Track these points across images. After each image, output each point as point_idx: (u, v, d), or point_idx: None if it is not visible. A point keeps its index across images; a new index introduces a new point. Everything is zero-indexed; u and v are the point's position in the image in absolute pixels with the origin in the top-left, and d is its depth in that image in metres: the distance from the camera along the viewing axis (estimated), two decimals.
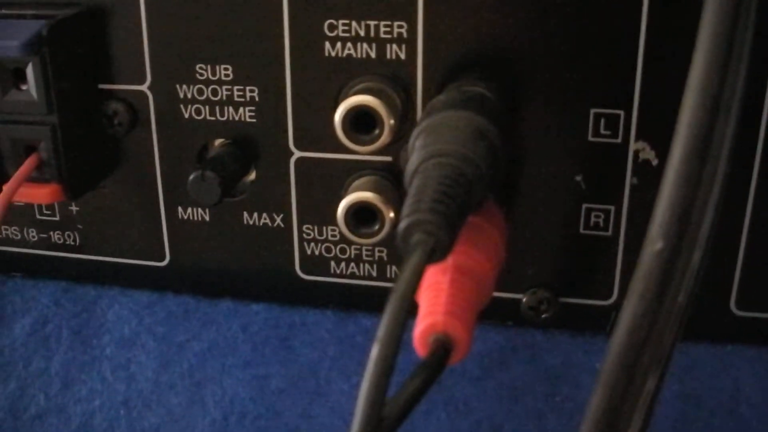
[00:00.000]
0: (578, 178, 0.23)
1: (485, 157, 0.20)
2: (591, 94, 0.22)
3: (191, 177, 0.24)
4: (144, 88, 0.25)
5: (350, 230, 0.23)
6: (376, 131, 0.22)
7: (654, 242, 0.16)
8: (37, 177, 0.25)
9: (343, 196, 0.24)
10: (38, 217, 0.28)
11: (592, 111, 0.22)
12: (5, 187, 0.25)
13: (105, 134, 0.26)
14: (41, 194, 0.25)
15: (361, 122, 0.23)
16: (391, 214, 0.23)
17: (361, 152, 0.23)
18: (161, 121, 0.25)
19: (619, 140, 0.22)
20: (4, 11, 0.25)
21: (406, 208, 0.18)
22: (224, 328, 0.25)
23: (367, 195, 0.23)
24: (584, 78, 0.22)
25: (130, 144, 0.26)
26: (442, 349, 0.17)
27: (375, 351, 0.16)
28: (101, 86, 0.25)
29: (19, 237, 0.28)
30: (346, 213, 0.23)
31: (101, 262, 0.27)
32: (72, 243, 0.28)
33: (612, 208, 0.23)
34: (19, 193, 0.25)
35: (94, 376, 0.25)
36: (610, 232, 0.23)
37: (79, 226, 0.27)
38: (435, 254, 0.17)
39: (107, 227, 0.27)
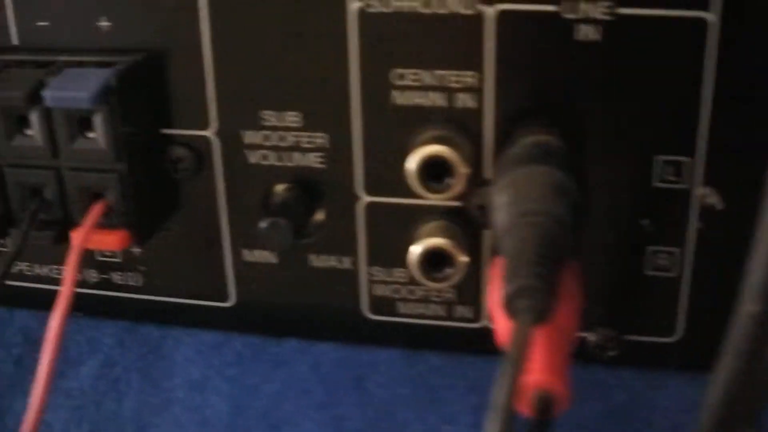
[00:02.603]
0: (644, 222, 0.25)
1: (568, 212, 0.21)
2: (656, 141, 0.24)
3: (263, 223, 0.25)
4: (208, 133, 0.26)
5: (424, 275, 0.25)
6: (449, 180, 0.24)
7: (749, 304, 0.18)
8: (103, 223, 0.27)
9: (413, 241, 0.26)
10: (99, 258, 0.29)
11: (658, 158, 0.24)
12: (77, 236, 0.26)
13: (168, 178, 0.27)
14: (110, 241, 0.26)
15: (432, 170, 0.24)
16: (464, 259, 0.25)
17: (434, 199, 0.25)
18: (226, 165, 0.26)
19: (684, 186, 0.24)
20: (66, 58, 0.26)
21: (508, 272, 0.19)
22: (295, 369, 0.27)
23: (440, 241, 0.25)
24: (650, 125, 0.24)
25: (194, 187, 0.27)
26: (546, 405, 0.19)
27: (493, 419, 0.17)
28: (165, 131, 0.26)
29: (80, 277, 0.30)
30: (420, 258, 0.25)
31: (164, 302, 0.29)
32: (134, 284, 0.29)
33: (677, 250, 0.25)
34: (89, 240, 0.26)
35: (168, 419, 0.26)
36: (674, 273, 0.25)
37: (142, 268, 0.29)
38: (541, 317, 0.19)
39: (170, 268, 0.28)
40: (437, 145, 0.24)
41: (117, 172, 0.26)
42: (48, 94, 0.25)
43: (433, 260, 0.25)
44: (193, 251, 0.28)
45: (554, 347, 0.20)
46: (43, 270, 0.30)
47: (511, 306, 0.19)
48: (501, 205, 0.22)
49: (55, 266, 0.30)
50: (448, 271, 0.25)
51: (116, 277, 0.29)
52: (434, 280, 0.25)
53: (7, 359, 0.29)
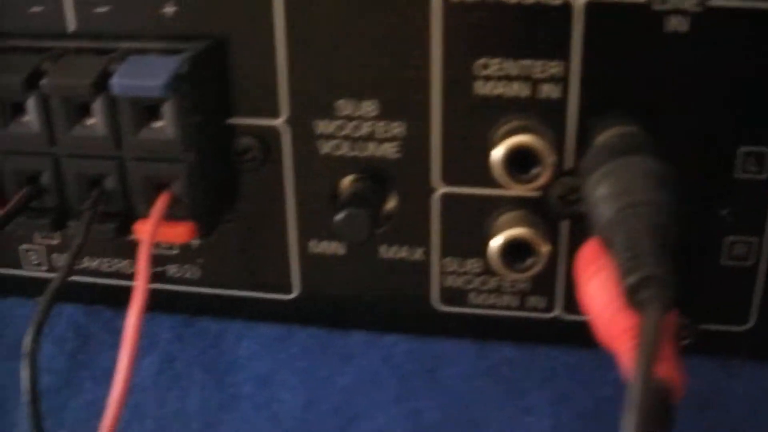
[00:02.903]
0: (724, 212, 0.25)
1: (673, 202, 0.21)
2: (740, 132, 0.24)
3: (341, 214, 0.25)
4: (278, 123, 0.26)
5: (505, 266, 0.25)
6: (536, 170, 0.24)
7: None
8: (166, 215, 0.26)
9: (491, 232, 0.25)
10: (153, 251, 0.28)
11: (741, 149, 0.24)
12: (146, 229, 0.25)
13: (233, 168, 0.26)
14: (177, 233, 0.25)
15: (516, 160, 0.24)
16: (546, 249, 0.25)
17: (517, 190, 0.24)
18: (296, 156, 0.26)
19: (765, 176, 0.24)
20: (127, 45, 0.25)
21: (625, 264, 0.19)
22: (366, 362, 0.26)
23: (522, 231, 0.25)
24: (734, 117, 0.24)
25: (259, 178, 0.26)
26: (665, 394, 0.19)
27: (632, 417, 0.17)
28: (232, 121, 0.26)
29: (133, 271, 0.29)
30: (502, 249, 0.25)
31: (223, 295, 0.28)
32: (191, 276, 0.28)
33: (755, 240, 0.25)
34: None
35: (236, 415, 0.26)
36: (750, 263, 0.25)
37: (200, 260, 0.28)
38: (668, 306, 0.19)
39: (231, 260, 0.28)
40: (523, 135, 0.24)
41: (185, 163, 0.25)
42: (116, 83, 0.24)
43: (513, 251, 0.25)
44: (256, 243, 0.27)
45: (668, 336, 0.20)
46: (93, 263, 0.29)
47: (636, 297, 0.19)
48: (601, 197, 0.21)
49: (105, 259, 0.29)
50: (530, 261, 0.25)
51: (172, 269, 0.28)
52: (515, 270, 0.25)
53: (60, 355, 0.28)
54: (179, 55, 0.25)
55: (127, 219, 0.26)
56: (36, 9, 0.26)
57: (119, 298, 0.29)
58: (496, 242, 0.25)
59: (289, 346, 0.27)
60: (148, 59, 0.25)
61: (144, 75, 0.24)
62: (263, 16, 0.24)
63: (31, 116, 0.25)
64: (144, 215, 0.26)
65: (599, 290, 0.22)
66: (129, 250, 0.28)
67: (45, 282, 0.29)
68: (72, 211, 0.26)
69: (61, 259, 0.29)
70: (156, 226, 0.25)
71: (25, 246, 0.29)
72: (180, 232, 0.25)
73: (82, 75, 0.24)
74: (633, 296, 0.19)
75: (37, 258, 0.29)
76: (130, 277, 0.29)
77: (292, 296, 0.28)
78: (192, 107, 0.24)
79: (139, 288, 0.23)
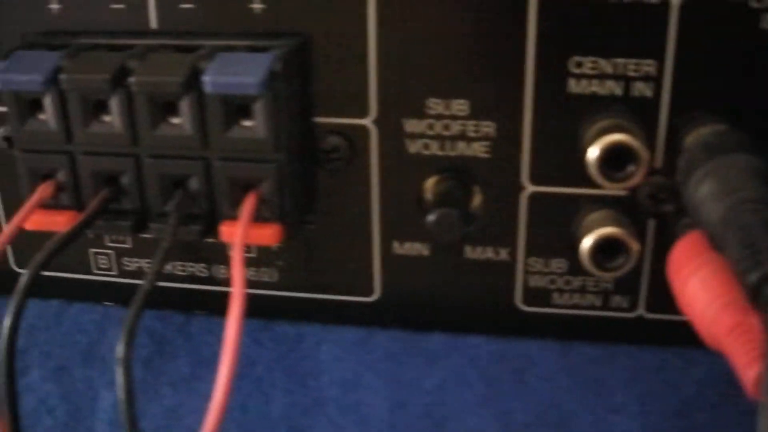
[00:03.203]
0: None
1: None
2: None
3: (434, 215, 0.25)
4: (366, 122, 0.26)
5: (596, 265, 0.25)
6: (631, 168, 0.24)
7: None
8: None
9: (580, 231, 0.25)
10: (230, 254, 0.28)
11: None
12: (236, 231, 0.24)
13: (318, 168, 0.26)
14: (265, 235, 0.25)
15: (610, 159, 0.24)
16: (636, 247, 0.25)
17: (610, 188, 0.24)
18: (383, 155, 0.26)
19: None
20: (212, 42, 0.25)
21: (744, 260, 0.19)
22: (451, 363, 0.26)
23: (614, 230, 0.25)
24: None
25: (344, 178, 0.26)
26: None
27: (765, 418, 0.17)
28: (319, 120, 0.26)
29: (207, 274, 0.28)
30: (593, 248, 0.25)
31: (301, 298, 0.28)
32: (269, 280, 0.28)
33: None
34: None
35: (322, 420, 0.25)
36: None
37: (279, 263, 0.28)
38: None
39: (310, 263, 0.27)
40: (618, 133, 0.24)
41: (275, 163, 0.25)
42: (209, 80, 0.24)
43: (603, 250, 0.25)
44: (337, 245, 0.27)
45: None
46: (166, 267, 0.28)
47: (760, 295, 0.19)
48: (707, 195, 0.22)
49: (177, 262, 0.28)
50: (620, 260, 0.25)
51: (249, 273, 0.28)
52: (607, 270, 0.25)
53: (136, 361, 0.27)
54: (268, 52, 0.25)
55: (211, 221, 0.26)
56: (117, 6, 0.26)
57: (190, 302, 0.29)
58: (587, 241, 0.25)
59: (371, 348, 0.27)
60: (239, 57, 0.25)
61: (238, 73, 0.24)
62: (355, 14, 0.24)
63: (114, 115, 0.25)
64: (228, 217, 0.25)
65: (700, 288, 0.22)
66: (202, 253, 0.28)
67: (114, 286, 0.29)
68: (151, 213, 0.26)
69: (132, 264, 0.29)
70: (247, 228, 0.24)
71: (94, 250, 0.29)
72: (268, 235, 0.25)
73: (171, 73, 0.24)
74: (756, 294, 0.19)
75: (107, 262, 0.29)
76: (202, 280, 0.29)
77: (372, 298, 0.27)
78: (284, 106, 0.24)
79: (237, 293, 0.22)
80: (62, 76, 0.24)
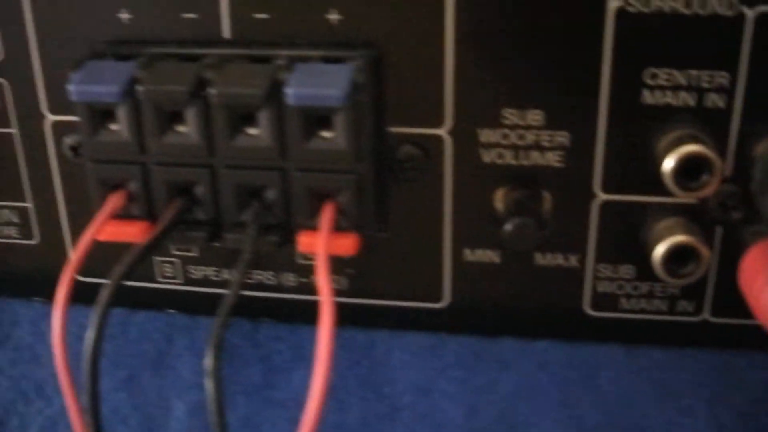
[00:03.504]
0: None
1: None
2: None
3: (511, 224, 0.25)
4: (441, 131, 0.26)
5: (668, 272, 0.25)
6: (706, 177, 0.24)
7: None
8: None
9: (651, 238, 0.26)
10: (298, 261, 0.28)
11: None
12: (312, 242, 0.25)
13: (391, 177, 0.26)
14: (343, 245, 0.25)
15: (685, 169, 0.25)
16: (707, 254, 0.25)
17: (684, 198, 0.25)
18: (457, 164, 0.26)
19: None
20: (287, 52, 0.25)
21: None
22: (523, 369, 0.27)
23: (685, 238, 0.25)
24: None
25: (416, 187, 0.26)
26: None
27: None
28: (393, 129, 0.26)
29: (275, 282, 0.28)
30: (666, 256, 0.25)
31: (371, 305, 0.28)
32: (337, 287, 0.28)
33: None
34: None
35: (399, 427, 0.26)
36: None
37: (349, 270, 0.28)
38: None
39: (380, 270, 0.28)
40: (693, 144, 0.24)
41: (355, 173, 0.25)
42: (292, 92, 0.24)
43: (674, 257, 0.26)
44: (407, 252, 0.27)
45: None
46: (228, 275, 0.29)
47: None
48: None
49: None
50: (691, 267, 0.25)
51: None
52: (679, 276, 0.25)
53: (182, 365, 0.27)
54: (346, 63, 0.25)
55: (287, 231, 0.26)
56: (189, 15, 0.26)
57: (258, 310, 0.29)
58: (660, 249, 0.25)
59: (442, 355, 0.27)
60: (318, 68, 0.25)
61: (321, 84, 0.24)
62: (432, 25, 0.24)
63: (191, 126, 0.25)
64: (304, 227, 0.26)
65: None
66: (268, 261, 0.29)
67: (179, 294, 0.29)
68: (225, 223, 0.26)
69: (197, 272, 0.29)
70: (328, 239, 0.25)
71: (159, 258, 0.29)
72: (346, 244, 0.25)
73: (251, 84, 0.24)
74: None
75: (172, 270, 0.29)
76: (270, 288, 0.29)
77: (442, 305, 0.28)
78: (363, 116, 0.25)
79: (327, 303, 0.22)
80: (140, 88, 0.24)
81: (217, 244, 0.26)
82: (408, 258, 0.28)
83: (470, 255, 0.27)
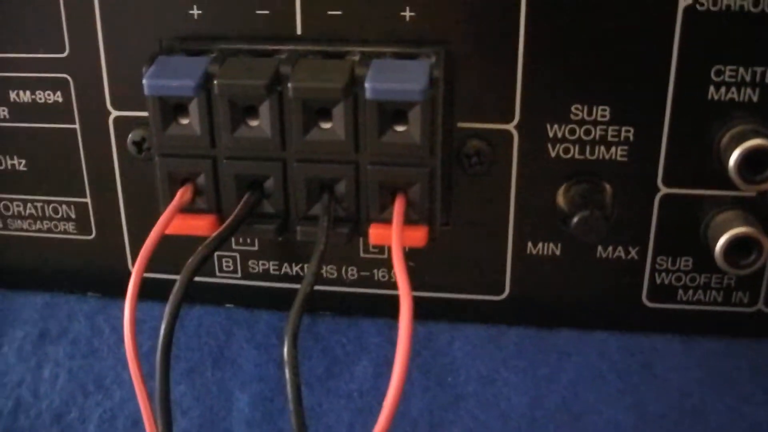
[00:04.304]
0: None
1: None
2: None
3: (579, 216, 0.25)
4: (510, 126, 0.26)
5: (730, 263, 0.26)
6: None
7: None
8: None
9: (711, 230, 0.27)
10: (362, 255, 0.28)
11: None
12: (384, 234, 0.25)
13: (457, 171, 0.27)
14: (415, 237, 0.25)
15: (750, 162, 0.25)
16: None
17: (747, 191, 0.26)
18: (524, 159, 0.26)
19: None
20: (359, 49, 0.25)
21: None
22: (583, 358, 0.27)
23: (747, 229, 0.26)
24: None
25: (482, 180, 0.27)
26: None
27: None
28: (462, 124, 0.26)
29: (335, 276, 0.29)
30: (727, 247, 0.26)
31: (431, 298, 0.28)
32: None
33: None
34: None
35: (464, 415, 0.26)
36: None
37: (410, 263, 0.28)
38: None
39: (442, 263, 0.28)
40: (758, 138, 0.25)
41: (427, 167, 0.25)
42: (371, 87, 0.24)
43: (735, 248, 0.26)
44: (470, 245, 0.28)
45: None
46: (283, 268, 0.29)
47: None
48: None
49: (300, 264, 0.29)
50: (753, 257, 0.26)
51: (380, 274, 0.28)
52: (741, 267, 0.26)
53: (269, 362, 0.27)
54: (421, 59, 0.25)
55: (357, 223, 0.26)
56: (262, 12, 0.26)
57: (315, 303, 0.29)
58: (722, 241, 0.26)
59: (503, 345, 0.27)
60: (393, 63, 0.25)
61: (399, 79, 0.24)
62: (504, 22, 0.25)
63: (264, 120, 0.25)
64: (374, 219, 0.26)
65: None
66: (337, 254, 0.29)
67: (237, 289, 0.29)
68: (295, 216, 0.26)
69: (257, 266, 0.29)
70: (402, 231, 0.25)
71: (218, 252, 0.29)
72: (418, 237, 0.26)
73: (329, 79, 0.24)
74: None
75: (231, 265, 0.29)
76: (328, 281, 0.29)
77: (502, 297, 0.28)
78: (438, 112, 0.25)
79: (405, 295, 0.23)
80: (216, 82, 0.25)
81: (281, 238, 0.27)
82: (469, 251, 0.28)
83: (532, 248, 0.28)
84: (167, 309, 0.24)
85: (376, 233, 0.26)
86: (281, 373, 0.28)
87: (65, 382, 0.28)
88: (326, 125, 0.25)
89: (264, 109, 0.25)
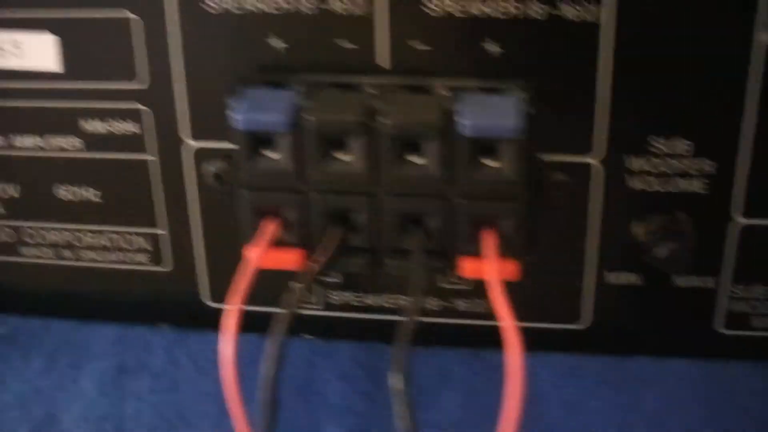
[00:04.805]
0: None
1: None
2: None
3: (665, 248, 0.26)
4: (592, 159, 0.26)
5: None
6: None
7: None
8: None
9: None
10: (442, 285, 0.28)
11: None
12: (476, 268, 0.25)
13: (541, 204, 0.27)
14: (509, 270, 0.25)
15: None
16: None
17: None
18: (605, 191, 0.27)
19: None
20: (444, 82, 0.26)
21: None
22: (665, 387, 0.27)
23: None
24: None
25: (562, 212, 0.27)
26: None
27: None
28: (544, 157, 0.26)
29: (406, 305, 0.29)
30: None
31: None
32: (480, 310, 0.28)
33: None
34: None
35: None
36: None
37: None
38: None
39: (522, 293, 0.28)
40: None
41: (519, 202, 0.25)
42: (468, 123, 0.24)
43: None
44: (550, 275, 0.28)
45: None
46: (366, 299, 0.29)
47: None
48: None
49: (383, 295, 0.29)
50: None
51: (462, 304, 0.29)
52: None
53: (354, 395, 0.27)
54: (508, 93, 0.25)
55: (449, 257, 0.26)
56: (345, 44, 0.26)
57: (385, 333, 0.29)
58: None
59: (585, 374, 0.28)
60: (485, 98, 0.25)
61: (494, 115, 0.24)
62: (587, 57, 0.25)
63: (355, 155, 0.25)
64: (465, 253, 0.26)
65: None
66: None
67: (318, 320, 0.29)
68: (385, 250, 0.26)
69: (339, 297, 0.29)
70: (498, 265, 0.25)
71: (299, 285, 0.29)
72: (509, 270, 0.26)
73: (423, 115, 0.25)
74: None
75: (315, 297, 0.29)
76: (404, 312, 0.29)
77: (581, 326, 0.29)
78: (529, 146, 0.25)
79: (511, 327, 0.23)
80: (308, 117, 0.25)
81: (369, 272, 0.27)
82: (550, 281, 0.28)
83: (611, 277, 0.28)
84: (271, 350, 0.24)
85: (469, 267, 0.26)
86: (370, 405, 0.28)
87: (150, 417, 0.28)
88: (417, 159, 0.25)
89: (355, 143, 0.25)
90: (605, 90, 0.26)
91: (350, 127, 0.25)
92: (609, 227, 0.27)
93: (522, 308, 0.28)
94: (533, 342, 0.29)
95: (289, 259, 0.27)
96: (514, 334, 0.23)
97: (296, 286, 0.25)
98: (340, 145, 0.26)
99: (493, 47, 0.26)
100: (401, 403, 0.23)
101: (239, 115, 0.25)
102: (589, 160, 0.27)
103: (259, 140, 0.26)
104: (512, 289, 0.28)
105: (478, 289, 0.28)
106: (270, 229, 0.26)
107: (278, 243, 0.27)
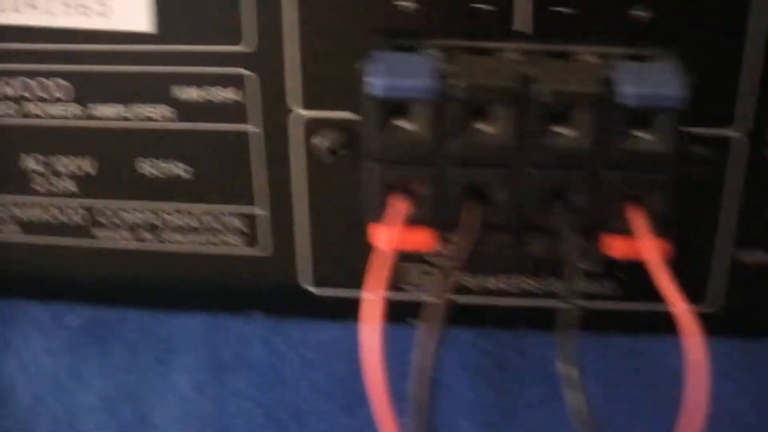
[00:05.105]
0: None
1: None
2: None
3: None
4: (735, 132, 0.25)
5: None
6: None
7: None
8: None
9: None
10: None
11: None
12: (637, 246, 0.23)
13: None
14: (662, 250, 0.24)
15: None
16: None
17: None
18: (749, 165, 0.25)
19: None
20: (587, 48, 0.24)
21: None
22: None
23: None
24: None
25: (702, 187, 0.26)
26: None
27: None
28: (689, 130, 0.25)
29: (535, 288, 0.27)
30: None
31: (638, 310, 0.27)
32: (605, 292, 0.27)
33: None
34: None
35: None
36: None
37: (620, 275, 0.27)
38: None
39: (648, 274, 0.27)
40: None
41: (670, 177, 0.24)
42: (632, 92, 0.22)
43: None
44: (679, 254, 0.26)
45: None
46: (487, 282, 0.27)
47: None
48: None
49: (503, 276, 0.27)
50: None
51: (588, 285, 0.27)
52: None
53: (481, 384, 0.25)
54: (662, 61, 0.24)
55: (589, 235, 0.25)
56: (482, 6, 0.24)
57: (512, 319, 0.28)
58: None
59: (716, 358, 0.26)
60: (642, 66, 0.24)
61: (658, 84, 0.23)
62: (736, 24, 0.24)
63: (501, 125, 0.23)
64: (610, 230, 0.24)
65: None
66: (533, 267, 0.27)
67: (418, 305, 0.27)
68: (524, 227, 0.25)
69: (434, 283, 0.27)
70: (655, 243, 0.23)
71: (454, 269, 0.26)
72: (662, 249, 0.24)
73: (581, 83, 0.23)
74: None
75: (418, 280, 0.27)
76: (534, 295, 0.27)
77: (711, 308, 0.27)
78: (685, 118, 0.24)
79: (685, 312, 0.22)
80: (456, 83, 0.23)
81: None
82: (678, 261, 0.27)
83: (745, 257, 0.27)
84: (424, 339, 0.22)
85: (619, 246, 0.24)
86: (498, 398, 0.27)
87: (257, 417, 0.25)
88: (565, 130, 0.24)
89: (503, 112, 0.23)
90: (755, 60, 0.24)
91: (503, 94, 0.23)
92: (746, 203, 0.26)
93: (650, 290, 0.28)
94: (660, 324, 0.28)
95: (421, 240, 0.25)
96: (691, 319, 0.22)
97: (451, 270, 0.23)
98: (482, 115, 0.24)
99: (642, 13, 0.24)
100: (577, 395, 0.21)
101: (378, 80, 0.23)
102: (731, 132, 0.26)
103: (391, 109, 0.24)
104: (638, 269, 0.27)
105: (606, 269, 0.27)
106: (402, 206, 0.24)
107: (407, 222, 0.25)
